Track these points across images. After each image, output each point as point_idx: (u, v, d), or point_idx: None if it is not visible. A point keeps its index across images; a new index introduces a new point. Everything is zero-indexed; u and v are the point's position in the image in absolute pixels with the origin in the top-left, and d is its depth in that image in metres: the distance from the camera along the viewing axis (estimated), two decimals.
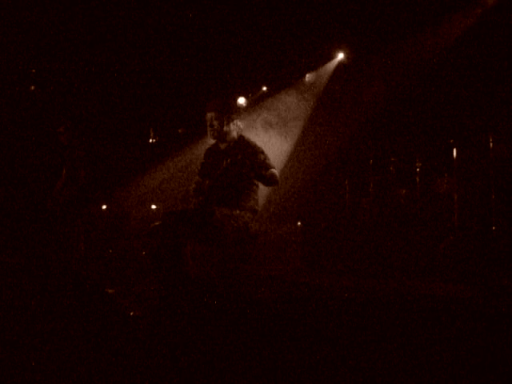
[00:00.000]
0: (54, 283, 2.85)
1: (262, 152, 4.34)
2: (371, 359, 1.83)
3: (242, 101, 6.78)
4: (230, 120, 4.45)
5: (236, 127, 4.51)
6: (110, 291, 4.46)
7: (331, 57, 6.42)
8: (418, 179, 5.82)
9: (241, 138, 4.53)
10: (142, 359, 2.60)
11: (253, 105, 6.71)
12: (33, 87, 6.15)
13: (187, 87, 6.36)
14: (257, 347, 2.06)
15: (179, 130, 4.34)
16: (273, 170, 4.24)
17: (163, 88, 6.38)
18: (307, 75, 6.64)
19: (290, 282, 5.09)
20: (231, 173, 4.15)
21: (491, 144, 5.27)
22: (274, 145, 5.78)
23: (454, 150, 5.50)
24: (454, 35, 5.59)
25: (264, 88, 6.82)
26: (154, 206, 6.37)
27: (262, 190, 4.61)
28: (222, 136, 4.47)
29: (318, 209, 6.22)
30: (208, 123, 4.53)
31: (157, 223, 4.30)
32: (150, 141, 4.42)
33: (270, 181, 4.24)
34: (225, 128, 4.44)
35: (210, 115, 4.48)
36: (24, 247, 5.33)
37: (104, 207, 6.24)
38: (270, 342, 1.99)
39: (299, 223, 6.27)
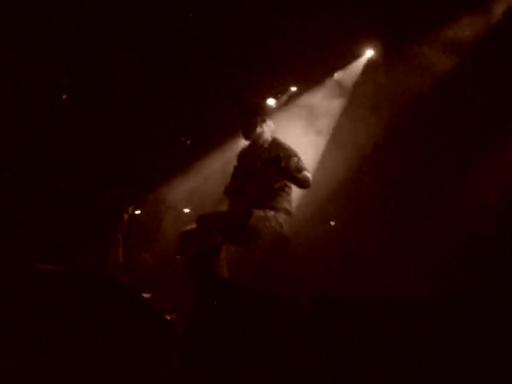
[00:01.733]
0: (93, 289, 2.87)
1: (296, 154, 4.33)
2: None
3: (271, 102, 6.76)
4: (262, 121, 4.46)
5: (268, 128, 4.53)
6: (145, 295, 4.49)
7: (360, 54, 6.35)
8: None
9: (274, 140, 4.53)
10: (177, 363, 2.60)
11: (282, 105, 6.69)
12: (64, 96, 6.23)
13: (217, 89, 6.37)
14: (291, 350, 2.03)
15: (213, 134, 4.38)
16: (306, 173, 4.24)
17: (194, 91, 6.40)
18: (336, 74, 6.59)
19: (324, 283, 5.06)
20: (265, 174, 4.15)
21: None
22: (306, 145, 5.74)
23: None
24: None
25: (293, 88, 6.78)
26: (186, 210, 6.38)
27: (296, 192, 4.60)
28: (255, 138, 4.48)
29: (352, 209, 6.15)
30: (240, 126, 4.55)
31: (190, 227, 4.32)
32: (182, 144, 4.47)
33: (303, 183, 4.23)
34: (258, 129, 4.46)
35: (242, 118, 4.50)
36: (64, 253, 5.41)
37: (138, 212, 6.28)
38: (305, 344, 1.97)
39: (332, 223, 6.22)
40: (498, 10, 5.43)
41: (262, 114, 4.49)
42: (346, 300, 1.86)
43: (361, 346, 1.77)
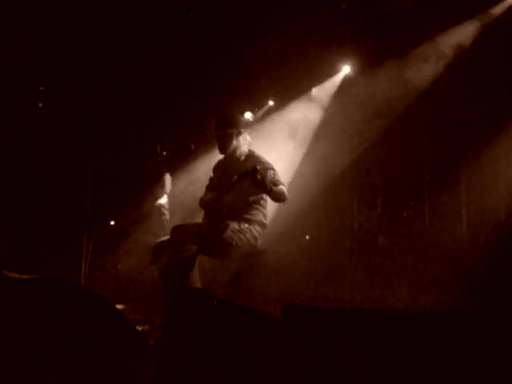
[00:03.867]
0: (65, 298, 2.83)
1: (272, 168, 4.35)
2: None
3: (248, 115, 6.79)
4: (238, 134, 4.46)
5: (244, 141, 4.53)
6: (118, 307, 4.45)
7: (337, 70, 6.44)
8: (426, 192, 5.80)
9: (251, 152, 4.54)
10: (150, 373, 2.58)
11: (259, 119, 6.72)
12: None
13: (195, 102, 6.38)
14: (262, 361, 2.04)
15: (191, 146, 4.35)
16: (282, 187, 4.25)
17: (170, 103, 6.40)
18: (313, 89, 6.66)
19: (298, 296, 5.07)
20: (242, 186, 4.16)
21: None
22: (281, 159, 5.77)
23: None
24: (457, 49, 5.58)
25: (270, 102, 6.83)
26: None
27: (271, 206, 4.61)
28: (231, 150, 4.48)
29: (325, 224, 6.20)
30: (216, 139, 4.54)
31: (165, 238, 4.30)
32: (158, 155, 4.45)
33: (279, 197, 4.23)
34: (234, 142, 4.46)
35: (217, 131, 4.50)
36: (33, 263, 5.34)
37: (112, 223, 6.23)
38: (276, 355, 1.97)
39: (307, 237, 6.26)
40: (482, 21, 5.58)
41: (238, 126, 4.48)
42: (318, 310, 1.87)
43: (333, 355, 1.78)
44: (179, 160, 6.00)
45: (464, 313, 1.78)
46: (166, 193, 5.39)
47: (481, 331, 1.69)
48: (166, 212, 5.27)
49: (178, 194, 6.03)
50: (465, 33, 5.62)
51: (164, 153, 4.57)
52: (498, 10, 5.51)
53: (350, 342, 1.72)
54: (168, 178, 5.61)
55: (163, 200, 5.04)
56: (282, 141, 6.32)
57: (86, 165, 5.08)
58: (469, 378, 1.66)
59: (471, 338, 1.69)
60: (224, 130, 4.44)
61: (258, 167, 3.97)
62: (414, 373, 1.67)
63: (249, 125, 6.34)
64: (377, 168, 6.12)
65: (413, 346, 1.67)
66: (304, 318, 1.83)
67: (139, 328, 3.80)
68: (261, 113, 6.84)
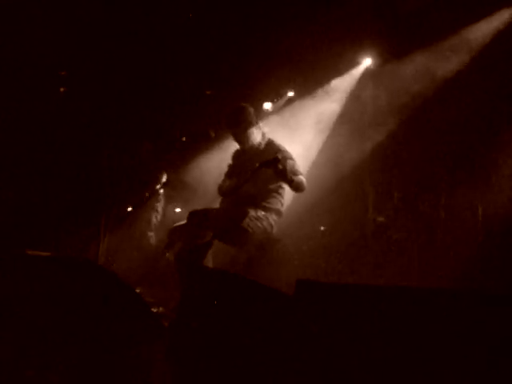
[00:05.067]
0: (84, 277, 2.89)
1: (291, 157, 4.37)
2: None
3: (267, 106, 6.80)
4: (253, 125, 4.47)
5: (260, 130, 4.55)
6: (136, 290, 4.51)
7: (358, 62, 6.41)
8: (442, 190, 5.76)
9: (270, 141, 4.56)
10: (164, 354, 2.63)
11: (279, 109, 6.73)
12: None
13: (215, 91, 6.42)
14: (276, 340, 2.06)
15: (211, 133, 4.37)
16: (301, 177, 4.28)
17: (191, 93, 6.43)
18: (333, 81, 6.64)
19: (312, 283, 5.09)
20: (262, 175, 4.18)
21: None
22: (299, 149, 5.77)
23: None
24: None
25: (290, 93, 6.83)
26: (178, 210, 6.37)
27: (287, 195, 4.62)
28: (248, 141, 4.51)
29: (340, 215, 6.20)
30: (233, 136, 4.58)
31: (181, 223, 4.34)
32: (178, 141, 4.51)
33: (298, 186, 4.26)
34: (249, 133, 4.48)
35: (231, 128, 4.53)
36: (52, 242, 5.43)
37: (129, 209, 6.29)
38: (292, 335, 2.00)
39: (322, 228, 6.26)
40: (503, 16, 5.53)
41: (251, 118, 4.49)
42: (331, 286, 1.90)
43: (346, 332, 1.80)
44: (198, 146, 6.05)
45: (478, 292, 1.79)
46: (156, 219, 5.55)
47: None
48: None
49: (197, 178, 6.07)
50: (492, 25, 5.55)
51: (184, 138, 4.61)
52: None
53: (362, 317, 1.75)
54: (161, 203, 5.75)
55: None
56: (301, 131, 6.32)
57: (103, 154, 5.15)
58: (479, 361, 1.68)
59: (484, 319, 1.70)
60: (238, 127, 4.46)
61: (279, 156, 4.00)
62: (425, 350, 1.68)
63: (265, 114, 6.37)
64: (395, 162, 6.10)
65: (425, 322, 1.69)
66: (317, 293, 1.85)
67: (154, 310, 3.86)
68: (280, 103, 6.84)
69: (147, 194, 5.91)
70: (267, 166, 4.01)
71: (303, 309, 1.88)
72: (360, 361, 1.73)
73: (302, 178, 4.28)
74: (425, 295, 1.76)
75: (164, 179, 5.98)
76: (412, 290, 1.84)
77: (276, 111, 6.71)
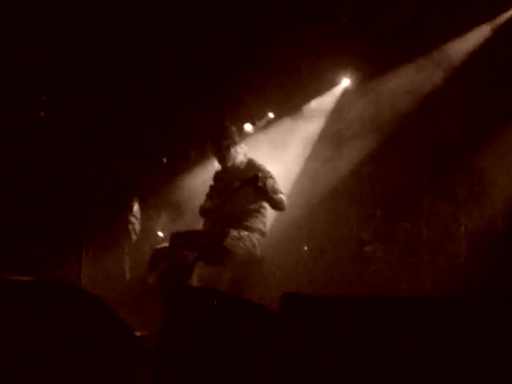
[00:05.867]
0: (64, 301, 2.83)
1: (272, 176, 4.39)
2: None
3: (248, 127, 6.82)
4: (234, 144, 4.51)
5: (242, 150, 4.59)
6: (118, 313, 4.43)
7: (337, 82, 6.48)
8: (424, 204, 5.81)
9: (250, 161, 4.58)
10: (147, 379, 2.58)
11: (259, 130, 6.75)
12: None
13: (195, 112, 6.41)
14: (261, 359, 2.04)
15: (192, 153, 4.39)
16: (281, 195, 4.31)
17: (173, 113, 6.43)
18: (313, 101, 6.70)
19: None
20: (242, 194, 4.20)
21: None
22: (280, 169, 5.79)
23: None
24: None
25: (270, 114, 6.86)
26: (160, 234, 6.30)
27: (270, 215, 4.63)
28: (229, 160, 4.53)
29: (323, 233, 6.20)
30: (214, 153, 4.60)
31: (164, 245, 4.32)
32: (159, 162, 4.49)
33: (278, 205, 4.29)
34: (232, 153, 4.50)
35: (214, 146, 4.56)
36: (34, 265, 5.35)
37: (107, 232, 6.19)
38: (277, 352, 1.98)
39: (305, 248, 6.25)
40: (482, 32, 5.64)
41: (233, 137, 4.54)
42: (316, 299, 1.89)
43: (333, 344, 1.79)
44: (179, 167, 6.03)
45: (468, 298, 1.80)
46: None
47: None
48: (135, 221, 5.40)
49: (179, 201, 6.04)
50: (473, 39, 5.65)
51: (164, 159, 4.61)
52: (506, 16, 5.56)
53: (349, 329, 1.74)
54: (136, 203, 5.72)
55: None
56: (282, 151, 6.34)
57: (86, 169, 5.11)
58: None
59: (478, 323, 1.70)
60: (220, 144, 4.50)
61: (259, 174, 4.02)
62: (413, 361, 1.68)
63: (245, 135, 6.39)
64: (376, 179, 6.14)
65: (413, 332, 1.69)
66: (303, 306, 1.84)
67: (137, 333, 3.80)
68: (261, 124, 6.87)
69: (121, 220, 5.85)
70: (247, 183, 4.04)
71: (290, 323, 1.87)
72: (347, 370, 1.72)
73: (283, 197, 4.32)
74: (412, 304, 1.76)
75: (136, 207, 5.91)
76: (398, 300, 1.84)
77: (256, 132, 6.73)
